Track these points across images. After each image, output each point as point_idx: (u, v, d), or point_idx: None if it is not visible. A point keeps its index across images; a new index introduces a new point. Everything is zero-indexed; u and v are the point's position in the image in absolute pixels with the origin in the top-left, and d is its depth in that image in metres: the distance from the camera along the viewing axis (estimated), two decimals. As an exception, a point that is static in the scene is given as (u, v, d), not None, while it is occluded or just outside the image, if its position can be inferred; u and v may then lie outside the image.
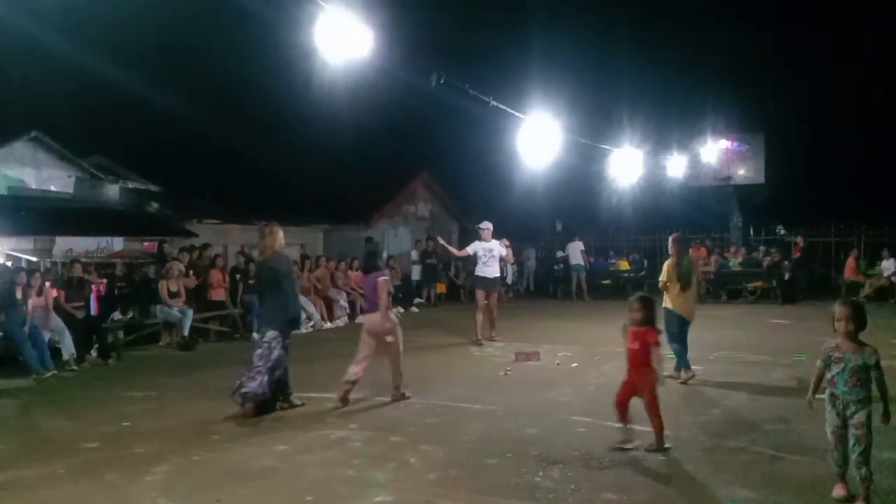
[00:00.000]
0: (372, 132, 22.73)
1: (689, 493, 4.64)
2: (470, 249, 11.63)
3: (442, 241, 12.36)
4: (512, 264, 16.47)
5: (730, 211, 21.87)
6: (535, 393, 7.60)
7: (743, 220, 21.75)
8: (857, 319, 4.54)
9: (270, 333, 6.94)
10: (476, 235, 11.88)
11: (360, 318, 7.88)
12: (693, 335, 10.64)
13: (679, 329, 8.29)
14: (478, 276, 11.59)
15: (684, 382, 8.03)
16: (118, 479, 5.13)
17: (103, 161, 15.90)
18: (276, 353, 6.90)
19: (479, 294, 11.50)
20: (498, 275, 11.71)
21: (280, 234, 7.29)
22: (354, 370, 7.25)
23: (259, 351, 6.89)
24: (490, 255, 11.41)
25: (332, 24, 6.56)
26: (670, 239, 8.75)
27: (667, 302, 8.34)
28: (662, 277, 8.42)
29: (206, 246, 13.75)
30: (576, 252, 19.53)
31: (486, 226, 11.58)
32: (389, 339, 7.37)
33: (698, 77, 21.63)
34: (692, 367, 8.24)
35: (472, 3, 25.88)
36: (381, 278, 7.40)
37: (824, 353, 4.57)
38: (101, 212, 14.07)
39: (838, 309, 4.54)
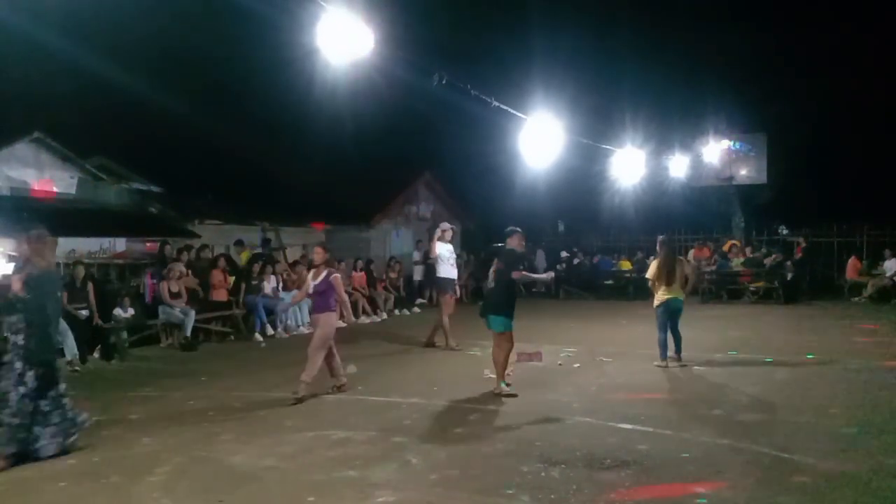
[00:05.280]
0: (374, 132, 22.69)
1: (691, 493, 4.63)
2: (438, 250, 11.11)
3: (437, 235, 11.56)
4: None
5: (732, 211, 21.87)
6: (536, 393, 7.60)
7: (745, 221, 21.75)
8: None
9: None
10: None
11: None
12: (695, 335, 10.71)
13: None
14: (447, 279, 11.08)
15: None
16: (121, 479, 5.14)
17: (105, 162, 15.90)
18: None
19: (449, 297, 11.07)
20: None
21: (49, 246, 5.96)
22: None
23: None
24: (454, 254, 11.21)
25: (334, 25, 6.57)
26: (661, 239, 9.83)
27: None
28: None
29: (203, 247, 13.72)
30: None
31: (446, 226, 11.32)
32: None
33: (700, 77, 21.58)
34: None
35: (474, 3, 25.86)
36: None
37: None
38: (104, 213, 14.08)
39: None
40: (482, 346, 10.76)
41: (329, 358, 7.85)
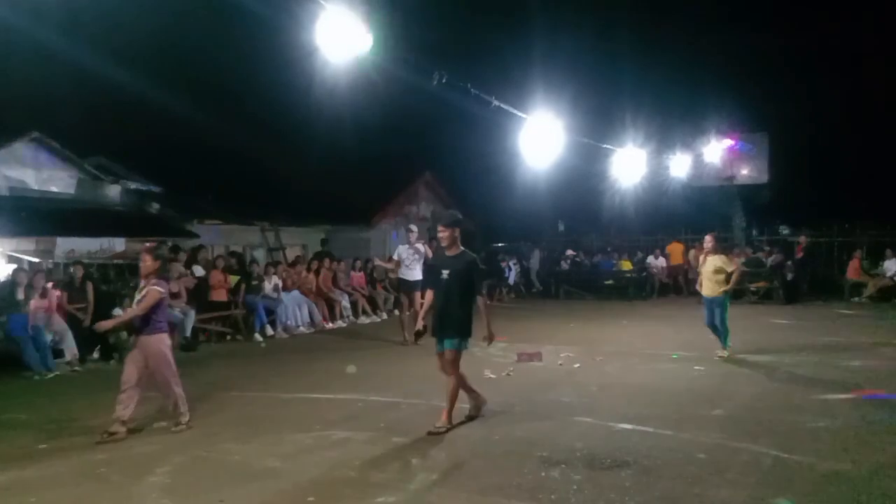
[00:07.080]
0: (374, 132, 22.72)
1: (691, 493, 4.63)
2: (395, 256, 11.68)
3: (378, 262, 12.32)
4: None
5: (733, 211, 21.85)
6: (537, 393, 7.59)
7: (746, 220, 21.73)
8: None
9: None
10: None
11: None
12: (695, 335, 10.71)
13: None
14: (401, 279, 11.63)
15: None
16: (121, 479, 5.13)
17: (104, 161, 15.86)
18: None
19: (403, 297, 11.64)
20: (420, 277, 11.21)
21: None
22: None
23: None
24: (413, 258, 11.40)
25: (334, 24, 6.56)
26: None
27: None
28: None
29: (199, 247, 13.67)
30: None
31: (414, 228, 11.77)
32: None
33: (702, 77, 21.65)
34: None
35: (474, 3, 25.87)
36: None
37: None
38: (103, 212, 14.06)
39: None
40: (482, 346, 10.75)
41: (139, 388, 6.51)
